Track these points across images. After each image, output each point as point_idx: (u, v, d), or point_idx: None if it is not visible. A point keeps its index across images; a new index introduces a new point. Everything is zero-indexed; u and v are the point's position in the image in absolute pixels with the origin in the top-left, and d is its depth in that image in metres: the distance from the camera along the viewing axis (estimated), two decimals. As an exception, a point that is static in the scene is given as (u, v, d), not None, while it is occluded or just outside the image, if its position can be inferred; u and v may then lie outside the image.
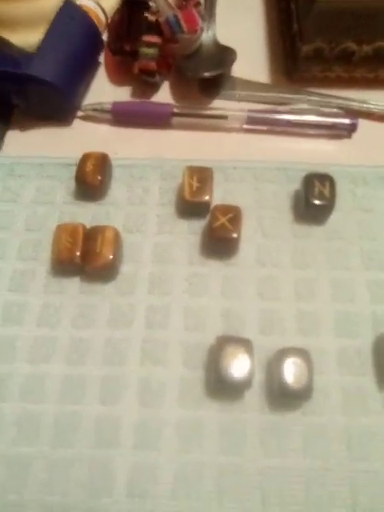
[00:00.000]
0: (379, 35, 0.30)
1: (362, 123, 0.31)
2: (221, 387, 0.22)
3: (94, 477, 0.21)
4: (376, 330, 0.24)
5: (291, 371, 0.21)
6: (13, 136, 0.32)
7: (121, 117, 0.32)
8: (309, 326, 0.24)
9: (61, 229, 0.25)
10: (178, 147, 0.31)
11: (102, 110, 0.31)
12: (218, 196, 0.27)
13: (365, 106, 0.32)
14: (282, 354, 0.22)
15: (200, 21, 0.32)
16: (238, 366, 0.21)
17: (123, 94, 0.34)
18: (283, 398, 0.22)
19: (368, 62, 0.32)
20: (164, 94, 0.33)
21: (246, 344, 0.22)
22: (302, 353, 0.22)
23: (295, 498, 0.20)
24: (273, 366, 0.22)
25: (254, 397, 0.22)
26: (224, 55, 0.33)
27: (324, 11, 0.29)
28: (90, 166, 0.27)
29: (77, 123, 0.32)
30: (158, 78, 0.32)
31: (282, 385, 0.21)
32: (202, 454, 0.21)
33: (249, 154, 0.30)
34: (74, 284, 0.25)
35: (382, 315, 0.24)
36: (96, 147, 0.30)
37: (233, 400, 0.22)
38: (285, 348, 0.22)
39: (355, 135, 0.31)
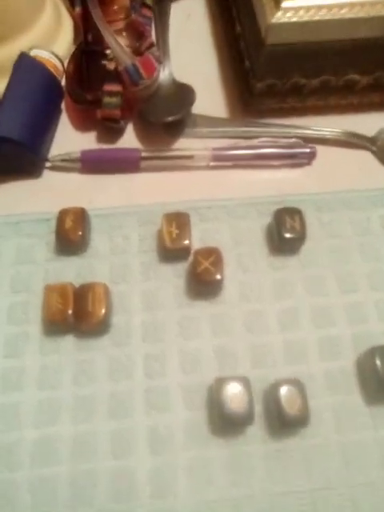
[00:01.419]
0: (323, 70, 0.32)
1: (319, 149, 0.33)
2: (225, 425, 0.23)
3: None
4: (356, 350, 0.26)
5: (287, 401, 0.23)
6: (-19, 194, 0.32)
7: (90, 165, 0.32)
8: (296, 355, 0.26)
9: (50, 289, 0.26)
10: (149, 190, 0.32)
11: (71, 160, 0.32)
12: (195, 236, 0.29)
13: (320, 132, 0.34)
14: (277, 385, 0.23)
15: (157, 64, 0.33)
16: (239, 404, 0.23)
17: (88, 139, 0.34)
18: (283, 427, 0.23)
19: (317, 92, 0.34)
20: (128, 137, 0.34)
21: (243, 381, 0.23)
22: (295, 383, 0.23)
23: (306, 518, 0.22)
24: (269, 398, 0.24)
25: (256, 429, 0.24)
26: (183, 94, 0.34)
27: (273, 54, 0.30)
28: (69, 223, 0.28)
29: (46, 174, 0.33)
30: (122, 123, 0.33)
31: (281, 415, 0.23)
32: (214, 490, 0.23)
33: (218, 190, 0.32)
34: (68, 342, 0.26)
35: (360, 335, 0.26)
36: (68, 197, 0.31)
37: (236, 435, 0.24)
38: (278, 380, 0.24)
39: (314, 162, 0.33)
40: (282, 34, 0.29)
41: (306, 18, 0.29)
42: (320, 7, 0.29)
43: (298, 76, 0.33)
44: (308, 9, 0.29)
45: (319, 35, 0.30)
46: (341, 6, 0.29)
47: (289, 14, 0.29)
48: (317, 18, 0.29)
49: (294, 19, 0.29)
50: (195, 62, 0.38)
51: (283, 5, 0.29)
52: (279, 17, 0.29)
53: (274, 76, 0.33)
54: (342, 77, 0.33)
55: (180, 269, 0.28)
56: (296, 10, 0.29)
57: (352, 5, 0.29)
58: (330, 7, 0.29)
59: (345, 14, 0.29)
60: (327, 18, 0.29)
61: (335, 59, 0.32)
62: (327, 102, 0.35)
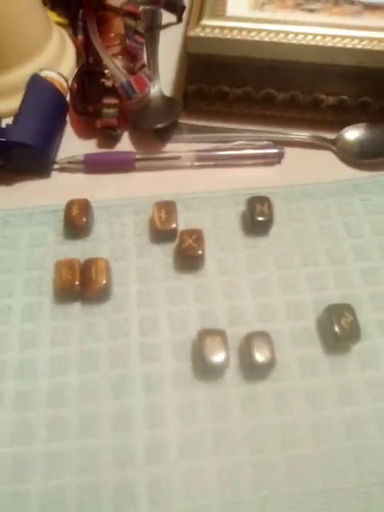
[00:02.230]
0: (244, 82, 0.38)
1: (288, 150, 0.39)
2: (206, 371, 0.28)
3: (118, 455, 0.26)
4: (317, 311, 0.31)
5: (257, 349, 0.28)
6: (-1, 191, 0.37)
7: (92, 166, 0.38)
8: (266, 315, 0.31)
9: (60, 264, 0.31)
10: (142, 186, 0.37)
11: (76, 162, 0.37)
12: (181, 222, 0.34)
13: (288, 136, 0.39)
14: (249, 337, 0.28)
15: (148, 81, 0.39)
16: (217, 352, 0.28)
17: (89, 145, 0.40)
18: (254, 371, 0.28)
19: (241, 101, 0.40)
20: (124, 143, 0.40)
21: (221, 334, 0.28)
22: (264, 334, 0.28)
23: (274, 444, 0.27)
24: (243, 348, 0.29)
25: (233, 374, 0.29)
26: (170, 106, 0.40)
27: (195, 61, 0.38)
28: (75, 211, 0.33)
29: (54, 174, 0.38)
30: (118, 131, 0.39)
31: (253, 361, 0.28)
32: (198, 424, 0.27)
33: (201, 185, 0.37)
34: (75, 308, 0.31)
35: (319, 300, 0.31)
36: (74, 193, 0.36)
37: (216, 379, 0.28)
38: (250, 332, 0.29)
39: (283, 161, 0.39)
40: (200, 45, 0.36)
41: (219, 36, 0.35)
42: (232, 29, 0.35)
43: (223, 84, 0.39)
44: (222, 28, 0.35)
45: (232, 51, 0.36)
46: (249, 30, 0.35)
47: (206, 30, 0.35)
48: (228, 36, 0.35)
49: (210, 35, 0.35)
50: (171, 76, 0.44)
51: (202, 22, 0.35)
52: (197, 32, 0.36)
53: (201, 81, 0.39)
54: (260, 90, 0.39)
55: (168, 249, 0.33)
56: (212, 27, 0.35)
57: (259, 30, 0.35)
58: (240, 30, 0.35)
59: (253, 36, 0.35)
60: (238, 38, 0.35)
61: (252, 73, 0.38)
62: (251, 110, 0.40)
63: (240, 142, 0.39)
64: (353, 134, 0.39)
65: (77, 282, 0.30)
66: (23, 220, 0.35)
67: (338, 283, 0.32)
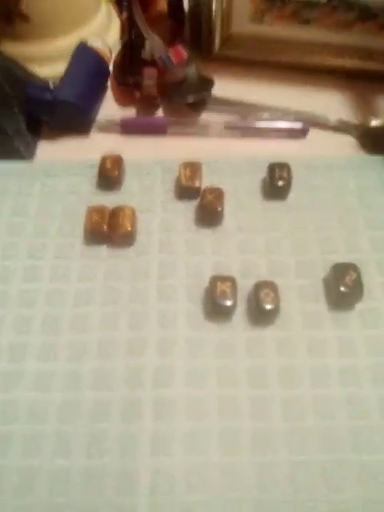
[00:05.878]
0: None
1: (313, 129, 0.41)
2: (215, 312, 0.31)
3: (130, 377, 0.29)
4: (325, 271, 0.33)
5: (265, 296, 0.30)
6: (42, 145, 0.41)
7: (127, 127, 0.41)
8: (277, 271, 0.33)
9: (91, 209, 0.34)
10: (173, 150, 0.40)
11: (113, 122, 0.41)
12: (205, 184, 0.36)
13: (313, 116, 0.41)
14: (258, 285, 0.31)
15: (186, 53, 0.42)
16: (226, 295, 0.30)
17: (128, 114, 0.43)
18: (260, 316, 0.31)
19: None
20: (161, 113, 0.43)
21: (231, 280, 0.31)
22: (271, 284, 0.31)
23: (272, 382, 0.29)
24: (251, 295, 0.31)
25: (240, 319, 0.31)
26: (204, 83, 0.43)
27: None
28: (109, 164, 0.36)
29: (92, 134, 0.41)
30: (158, 100, 0.41)
31: (259, 306, 0.30)
32: (204, 359, 0.30)
33: (228, 153, 0.39)
34: (102, 250, 0.34)
35: (328, 261, 0.33)
36: (109, 151, 0.39)
37: (224, 322, 0.31)
38: (259, 281, 0.31)
39: (307, 137, 0.41)
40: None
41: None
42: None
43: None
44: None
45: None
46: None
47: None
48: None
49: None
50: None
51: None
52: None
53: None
54: None
55: (191, 205, 0.36)
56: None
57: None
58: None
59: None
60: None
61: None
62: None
63: (267, 115, 0.41)
64: (375, 122, 0.41)
65: (105, 226, 0.33)
66: (62, 171, 0.38)
67: (347, 248, 0.34)
